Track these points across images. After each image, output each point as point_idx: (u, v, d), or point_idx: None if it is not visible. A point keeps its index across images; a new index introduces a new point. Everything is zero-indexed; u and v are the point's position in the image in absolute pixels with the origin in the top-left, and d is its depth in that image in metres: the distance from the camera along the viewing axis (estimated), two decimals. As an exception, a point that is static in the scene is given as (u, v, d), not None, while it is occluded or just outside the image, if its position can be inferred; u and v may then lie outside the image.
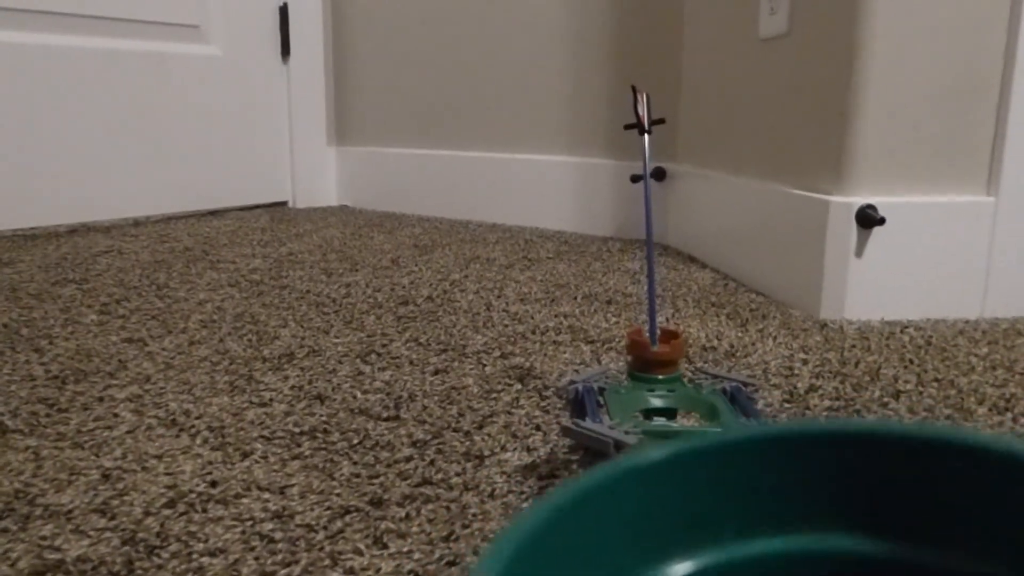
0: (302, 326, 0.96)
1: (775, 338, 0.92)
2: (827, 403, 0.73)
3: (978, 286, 1.02)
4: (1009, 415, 0.70)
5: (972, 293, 1.02)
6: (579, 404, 0.53)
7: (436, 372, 0.80)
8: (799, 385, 0.77)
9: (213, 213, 1.88)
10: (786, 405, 0.72)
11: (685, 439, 0.17)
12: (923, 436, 0.17)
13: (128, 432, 0.65)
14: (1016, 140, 0.98)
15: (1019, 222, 1.01)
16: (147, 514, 0.52)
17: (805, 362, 0.84)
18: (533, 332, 0.94)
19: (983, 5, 0.97)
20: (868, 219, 0.98)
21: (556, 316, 1.01)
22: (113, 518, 0.52)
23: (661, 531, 0.17)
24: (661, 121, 0.63)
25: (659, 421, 0.53)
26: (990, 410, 0.71)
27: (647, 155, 0.59)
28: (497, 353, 0.86)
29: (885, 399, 0.74)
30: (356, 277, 1.23)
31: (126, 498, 0.54)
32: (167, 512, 0.52)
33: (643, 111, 0.59)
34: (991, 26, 0.97)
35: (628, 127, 0.62)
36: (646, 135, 0.59)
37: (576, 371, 0.81)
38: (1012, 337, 0.93)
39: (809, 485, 0.18)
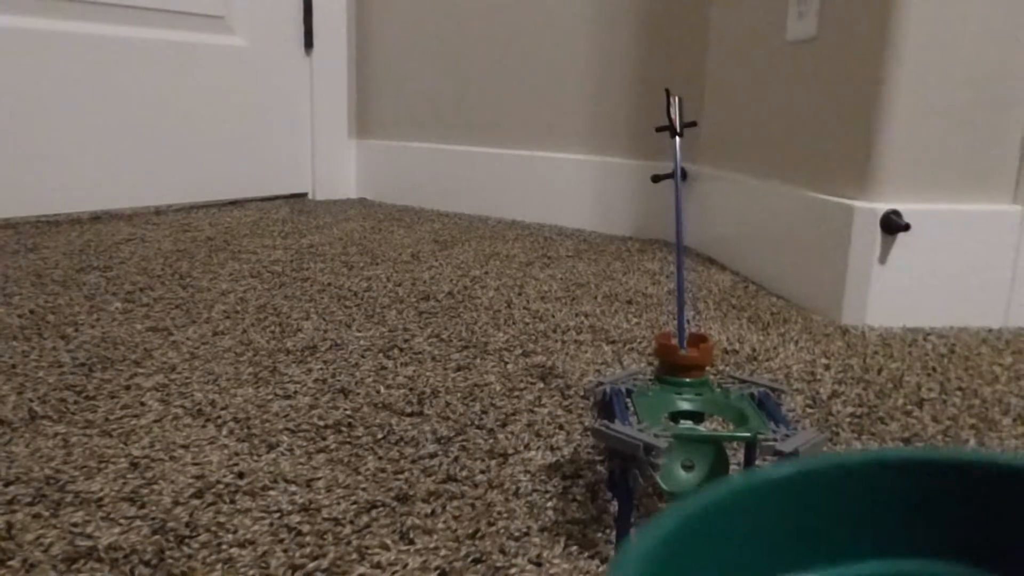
0: (324, 319, 0.96)
1: (797, 343, 0.92)
2: (850, 409, 0.72)
3: (1002, 295, 1.01)
4: (1034, 427, 0.70)
5: (996, 302, 1.01)
6: (607, 406, 0.53)
7: (458, 368, 0.80)
8: (821, 391, 0.77)
9: (234, 203, 1.89)
10: (809, 410, 0.72)
11: (800, 460, 0.17)
12: (1009, 465, 0.17)
13: (155, 421, 0.66)
14: (1045, 149, 0.97)
15: (1046, 232, 1.00)
16: (176, 503, 0.53)
17: (827, 367, 0.84)
18: (554, 331, 0.94)
19: (1014, 15, 0.96)
20: (893, 225, 0.97)
21: (577, 315, 1.01)
22: (143, 507, 0.52)
23: (775, 546, 0.18)
24: (693, 124, 0.63)
25: (686, 424, 0.53)
26: (1014, 421, 0.71)
27: (678, 158, 0.59)
28: (519, 351, 0.86)
29: (909, 407, 0.74)
30: (377, 271, 1.23)
31: (155, 487, 0.55)
32: (195, 502, 0.53)
33: (675, 114, 0.59)
34: (1021, 36, 0.96)
35: (660, 129, 0.62)
36: (678, 138, 0.59)
37: (600, 372, 0.81)
38: (1036, 347, 0.92)
39: (914, 510, 0.18)
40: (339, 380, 0.76)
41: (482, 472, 0.59)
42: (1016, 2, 0.95)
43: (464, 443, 0.63)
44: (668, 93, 0.58)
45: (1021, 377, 0.82)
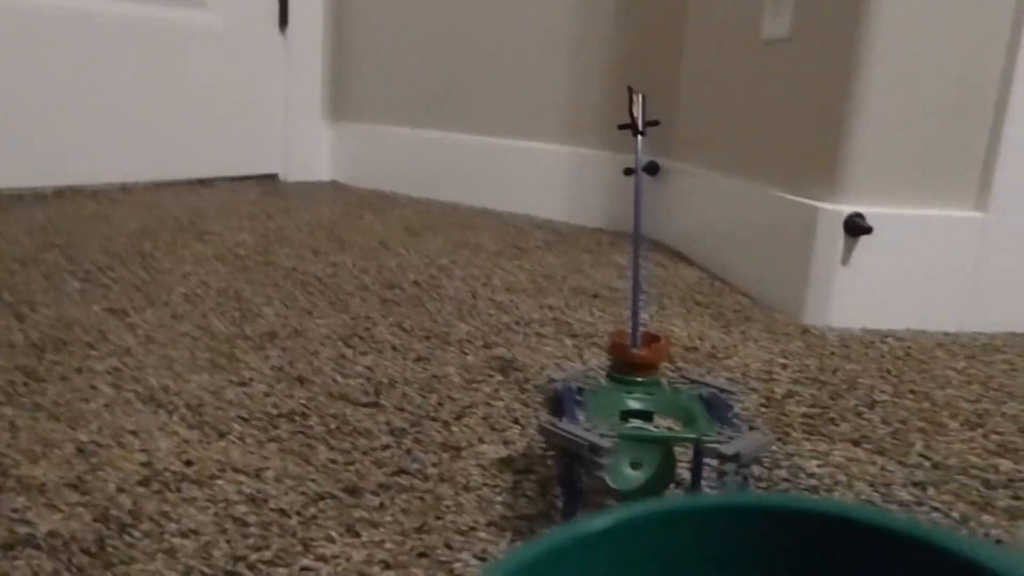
0: (286, 305, 0.96)
1: (757, 341, 0.93)
2: (803, 410, 0.73)
3: (961, 300, 1.03)
4: (980, 431, 0.71)
5: (955, 307, 1.03)
6: (557, 403, 0.53)
7: (418, 359, 0.80)
8: (777, 390, 0.78)
9: (203, 182, 1.87)
10: (763, 410, 0.73)
11: (628, 506, 0.18)
12: (852, 516, 0.18)
13: (105, 406, 0.65)
14: (1008, 159, 0.99)
15: (1007, 239, 1.01)
16: (121, 491, 0.52)
17: (785, 367, 0.85)
18: (518, 323, 0.94)
19: (985, 25, 0.97)
20: (856, 227, 0.98)
21: (542, 308, 1.01)
22: (86, 493, 0.52)
23: None
24: (655, 123, 0.63)
25: (636, 423, 0.53)
26: (962, 425, 0.72)
27: (638, 156, 0.59)
28: (480, 343, 0.86)
29: (861, 408, 0.75)
30: (344, 257, 1.22)
31: (100, 473, 0.54)
32: (141, 490, 0.52)
33: (638, 112, 0.59)
34: (991, 46, 0.97)
35: (622, 127, 0.62)
36: (639, 136, 0.59)
37: (559, 366, 0.81)
38: (990, 353, 0.94)
39: (743, 556, 0.18)
40: (296, 368, 0.76)
41: (434, 465, 0.59)
42: (985, 12, 0.96)
43: (418, 435, 0.63)
44: (631, 91, 0.58)
45: (973, 382, 0.84)
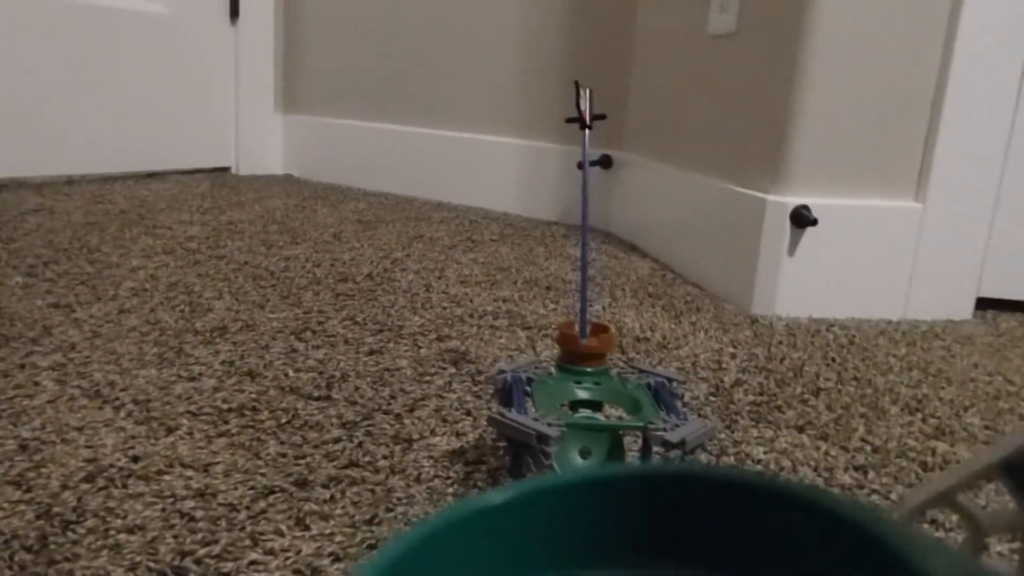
0: (237, 299, 0.95)
1: (707, 331, 0.95)
2: (751, 398, 0.75)
3: (902, 289, 1.06)
4: (919, 415, 0.73)
5: (896, 295, 1.06)
6: (507, 394, 0.54)
7: (371, 352, 0.80)
8: (725, 379, 0.79)
9: (152, 175, 1.83)
10: (711, 398, 0.74)
11: (531, 480, 0.18)
12: (738, 481, 0.19)
13: (49, 402, 0.64)
14: (944, 151, 1.02)
15: (944, 229, 1.05)
16: (64, 488, 0.51)
17: (733, 356, 0.86)
18: (471, 315, 0.94)
19: (921, 25, 1.00)
20: (802, 219, 1.00)
21: (495, 300, 1.02)
22: (29, 491, 0.51)
23: (501, 568, 0.19)
24: (602, 116, 0.64)
25: (584, 413, 0.54)
26: (902, 410, 0.74)
27: (586, 149, 0.60)
28: (433, 336, 0.87)
29: (806, 396, 0.76)
30: (296, 251, 1.21)
31: (43, 470, 0.53)
32: (85, 487, 0.52)
33: (585, 106, 0.59)
34: (927, 45, 1.00)
35: (570, 121, 0.62)
36: (587, 130, 0.60)
37: (510, 358, 0.82)
38: (929, 339, 0.97)
39: (644, 522, 0.19)
40: (247, 362, 0.75)
41: (385, 458, 0.59)
42: (923, 10, 0.99)
43: (370, 428, 0.63)
44: (577, 85, 0.59)
45: (913, 368, 0.86)
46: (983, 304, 1.13)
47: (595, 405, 0.55)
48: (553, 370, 0.57)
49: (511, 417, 0.47)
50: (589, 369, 0.55)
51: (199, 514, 0.50)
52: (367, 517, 0.51)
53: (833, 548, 0.17)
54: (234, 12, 1.91)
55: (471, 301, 1.00)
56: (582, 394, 0.54)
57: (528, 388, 0.54)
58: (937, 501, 0.27)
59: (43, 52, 1.59)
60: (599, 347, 0.55)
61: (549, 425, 0.46)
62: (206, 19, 1.87)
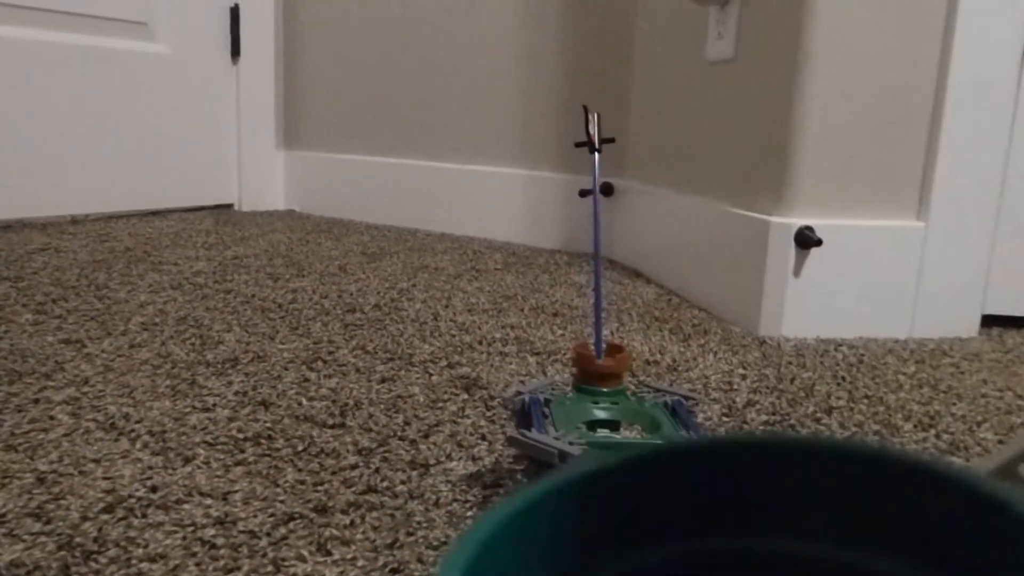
0: (247, 331, 0.95)
1: (715, 353, 0.95)
2: (763, 417, 0.75)
3: (907, 307, 1.06)
4: (932, 431, 0.73)
5: (902, 313, 1.06)
6: (525, 415, 0.54)
7: (382, 380, 0.80)
8: (737, 400, 0.79)
9: (155, 213, 1.84)
10: (725, 419, 0.74)
11: (622, 449, 0.19)
12: (818, 446, 0.19)
13: (65, 435, 0.64)
14: (945, 169, 1.03)
15: (947, 246, 1.05)
16: (84, 519, 0.51)
17: (744, 377, 0.87)
18: (480, 343, 0.95)
19: (917, 43, 1.01)
20: (806, 240, 1.01)
21: (503, 327, 1.02)
22: (49, 522, 0.51)
23: (600, 535, 0.19)
24: (611, 140, 0.65)
25: (603, 433, 0.54)
26: (915, 427, 0.74)
27: (596, 173, 0.60)
28: (444, 363, 0.87)
29: (818, 415, 0.77)
30: (303, 283, 1.22)
31: (62, 502, 0.53)
32: (105, 517, 0.52)
33: (594, 130, 0.60)
34: (924, 62, 1.02)
35: (579, 145, 0.63)
36: (596, 154, 0.61)
37: (522, 382, 0.82)
38: (938, 357, 0.97)
39: (754, 492, 0.19)
40: (260, 392, 0.75)
41: (403, 483, 0.59)
42: (918, 30, 1.01)
43: (386, 454, 0.63)
44: (586, 109, 0.60)
45: (923, 385, 0.86)
46: (988, 321, 1.13)
47: (613, 425, 0.55)
48: (569, 391, 0.57)
49: (532, 437, 0.47)
50: (606, 389, 0.55)
51: (220, 541, 0.49)
52: (388, 541, 0.51)
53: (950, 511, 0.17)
54: (235, 51, 1.94)
55: (479, 328, 1.01)
56: (600, 414, 0.54)
57: (546, 409, 0.54)
58: (997, 474, 0.27)
59: (46, 94, 1.61)
60: (615, 367, 0.55)
61: (571, 444, 0.46)
62: (208, 59, 1.89)
